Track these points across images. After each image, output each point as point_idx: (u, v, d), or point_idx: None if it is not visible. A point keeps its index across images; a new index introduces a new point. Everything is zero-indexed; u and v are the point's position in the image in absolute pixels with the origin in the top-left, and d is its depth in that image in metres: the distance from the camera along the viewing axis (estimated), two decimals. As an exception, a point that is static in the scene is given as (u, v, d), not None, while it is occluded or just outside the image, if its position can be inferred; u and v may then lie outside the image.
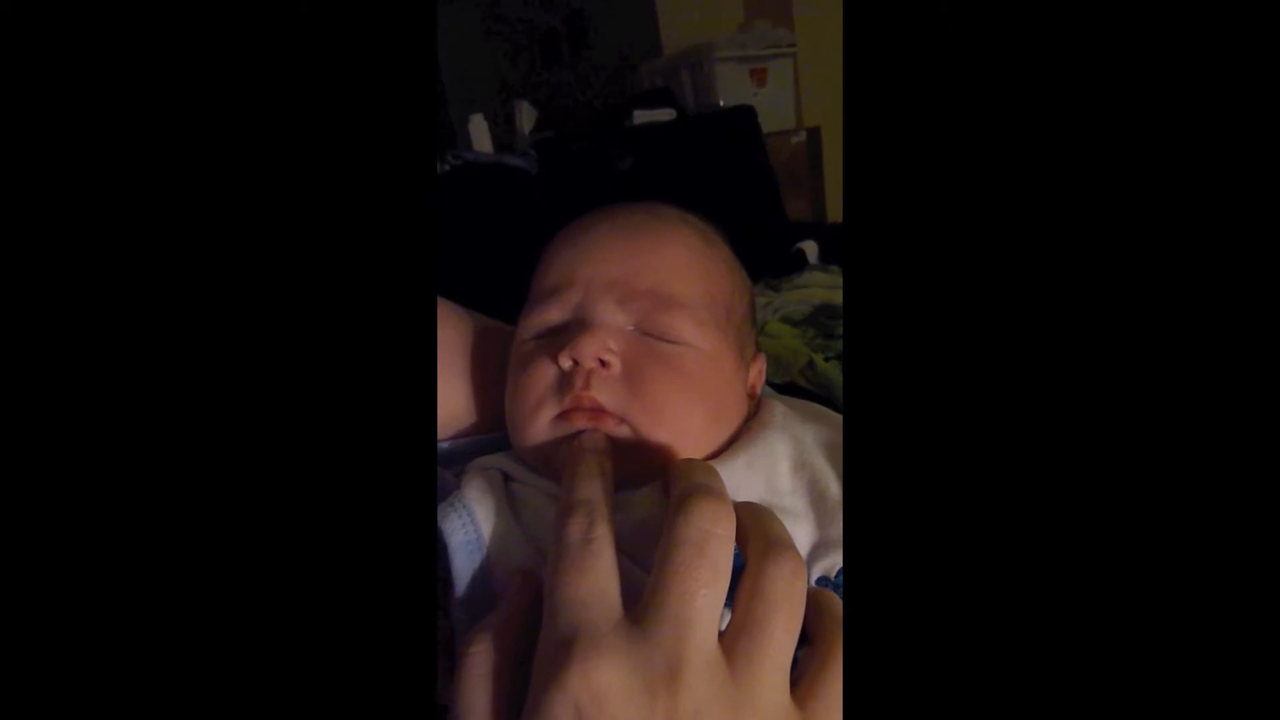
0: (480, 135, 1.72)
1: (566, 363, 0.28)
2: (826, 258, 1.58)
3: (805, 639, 0.22)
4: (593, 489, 0.24)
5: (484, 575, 0.26)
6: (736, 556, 0.23)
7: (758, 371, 0.34)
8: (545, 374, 0.29)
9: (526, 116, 1.97)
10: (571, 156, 1.61)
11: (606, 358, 0.28)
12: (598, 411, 0.28)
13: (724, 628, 0.22)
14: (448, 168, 1.55)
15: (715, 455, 0.29)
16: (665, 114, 1.80)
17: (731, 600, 0.22)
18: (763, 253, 1.55)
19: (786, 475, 0.29)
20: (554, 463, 0.28)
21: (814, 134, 2.00)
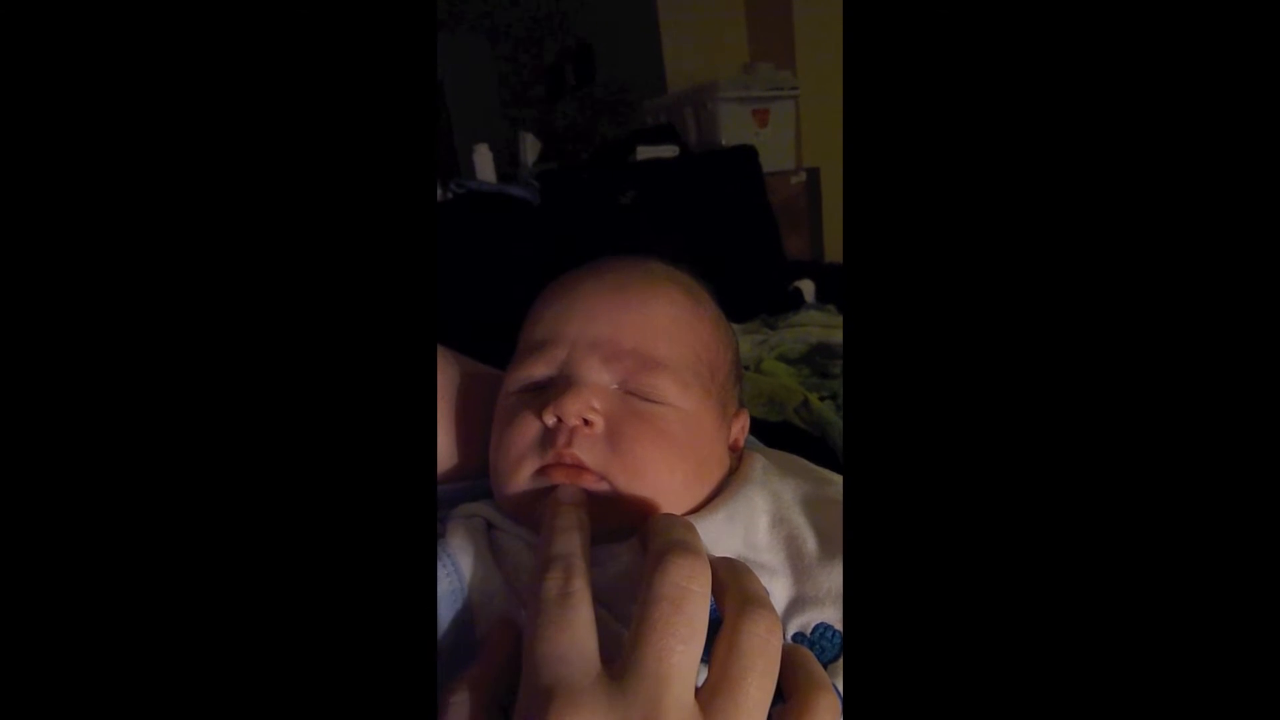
0: (484, 165, 1.75)
1: (551, 419, 0.29)
2: (823, 297, 1.60)
3: (780, 695, 0.23)
4: (570, 543, 0.24)
5: (466, 623, 0.26)
6: (713, 611, 0.23)
7: (740, 427, 0.34)
8: (529, 429, 0.29)
9: (530, 148, 2.01)
10: (574, 189, 1.64)
11: (590, 417, 0.28)
12: (578, 469, 0.28)
13: (700, 683, 0.22)
14: (451, 195, 1.57)
15: (695, 510, 0.29)
16: (668, 150, 1.83)
17: (708, 655, 0.23)
18: (760, 290, 1.57)
19: (764, 531, 0.29)
20: (534, 515, 0.28)
21: (813, 174, 2.04)
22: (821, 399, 1.09)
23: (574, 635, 0.22)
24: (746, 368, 1.21)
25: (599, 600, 0.23)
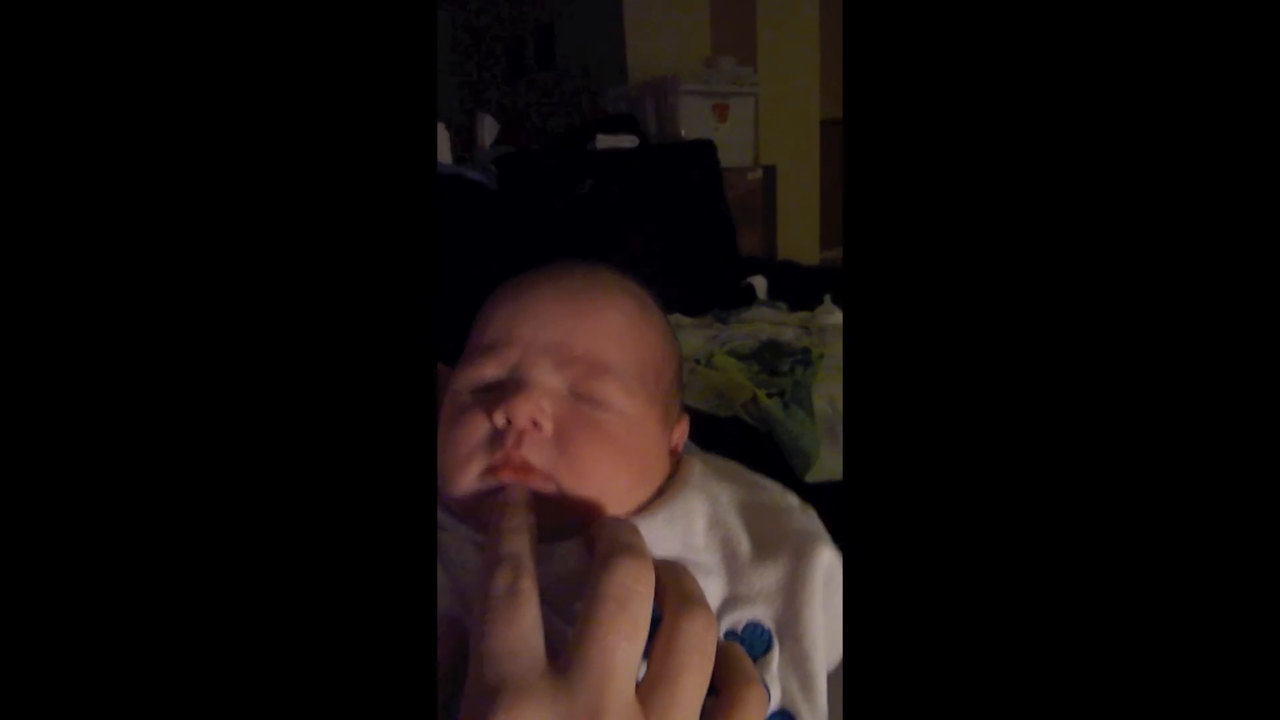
0: (440, 145, 1.72)
1: (500, 421, 0.29)
2: (775, 294, 1.63)
3: (712, 689, 0.24)
4: (518, 543, 0.25)
5: None
6: (654, 610, 0.24)
7: (681, 433, 0.36)
8: (478, 429, 0.30)
9: (488, 129, 1.98)
10: (532, 175, 1.62)
11: (539, 420, 0.29)
12: (526, 469, 0.29)
13: (640, 678, 0.23)
14: (405, 176, 1.54)
15: (637, 512, 0.30)
16: (628, 140, 1.83)
17: (647, 651, 0.24)
18: (713, 285, 1.59)
19: (702, 533, 0.30)
20: (480, 514, 0.29)
21: (770, 172, 2.07)
22: (770, 396, 1.12)
23: (521, 631, 0.22)
24: (698, 361, 1.23)
25: (542, 598, 0.24)
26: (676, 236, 1.64)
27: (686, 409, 0.37)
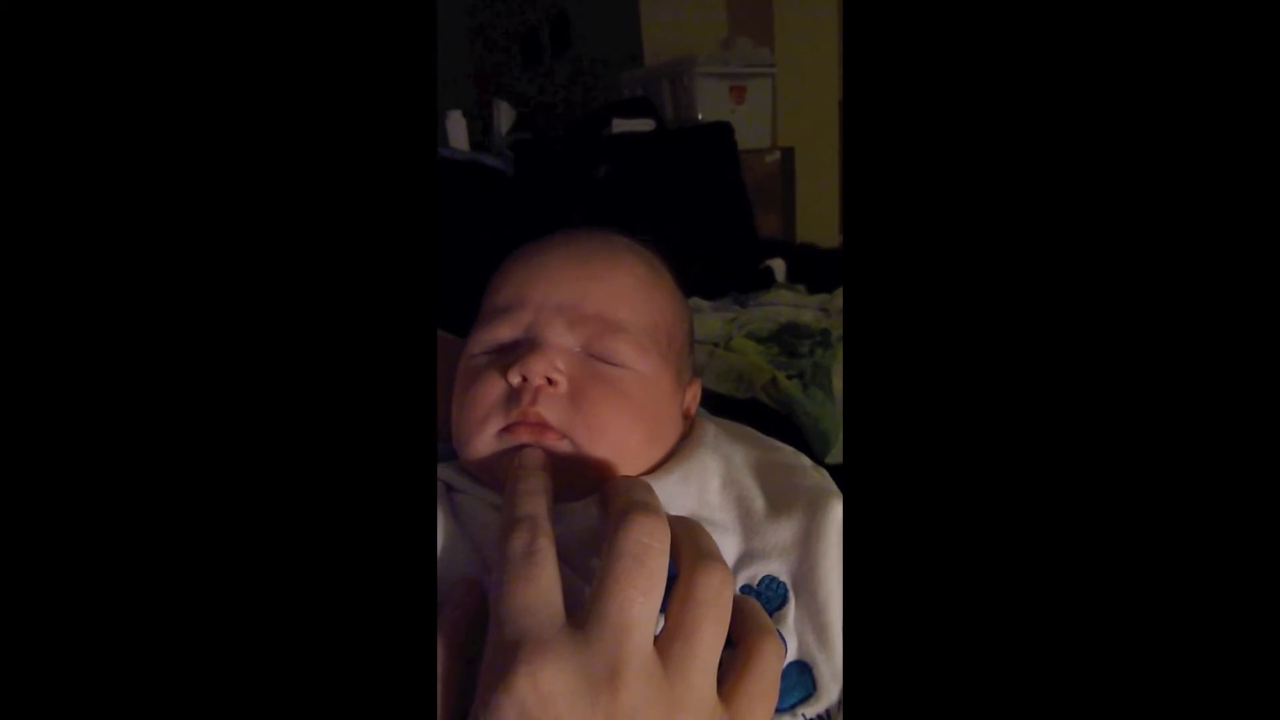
0: (457, 132, 1.73)
1: (516, 379, 0.30)
2: (794, 276, 1.62)
3: (730, 642, 0.24)
4: (534, 504, 0.25)
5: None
6: (670, 566, 0.25)
7: (693, 395, 0.36)
8: (494, 389, 0.30)
9: (505, 116, 1.98)
10: (549, 161, 1.62)
11: (554, 377, 0.29)
12: (541, 427, 0.29)
13: (658, 632, 0.24)
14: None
15: (651, 471, 0.31)
16: (644, 124, 1.82)
17: (664, 607, 0.24)
18: (731, 268, 1.58)
19: (716, 491, 0.31)
20: (497, 474, 0.29)
21: (788, 154, 2.04)
22: (789, 378, 1.11)
23: (539, 589, 0.23)
24: (716, 345, 1.23)
25: (560, 557, 0.24)
26: (694, 220, 1.64)
27: (705, 392, 0.37)
